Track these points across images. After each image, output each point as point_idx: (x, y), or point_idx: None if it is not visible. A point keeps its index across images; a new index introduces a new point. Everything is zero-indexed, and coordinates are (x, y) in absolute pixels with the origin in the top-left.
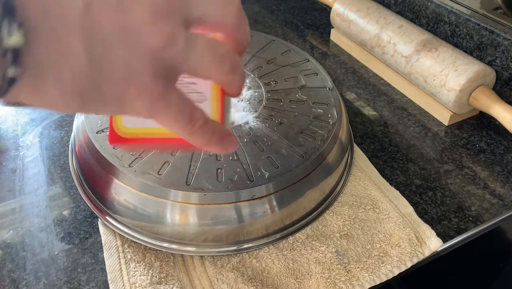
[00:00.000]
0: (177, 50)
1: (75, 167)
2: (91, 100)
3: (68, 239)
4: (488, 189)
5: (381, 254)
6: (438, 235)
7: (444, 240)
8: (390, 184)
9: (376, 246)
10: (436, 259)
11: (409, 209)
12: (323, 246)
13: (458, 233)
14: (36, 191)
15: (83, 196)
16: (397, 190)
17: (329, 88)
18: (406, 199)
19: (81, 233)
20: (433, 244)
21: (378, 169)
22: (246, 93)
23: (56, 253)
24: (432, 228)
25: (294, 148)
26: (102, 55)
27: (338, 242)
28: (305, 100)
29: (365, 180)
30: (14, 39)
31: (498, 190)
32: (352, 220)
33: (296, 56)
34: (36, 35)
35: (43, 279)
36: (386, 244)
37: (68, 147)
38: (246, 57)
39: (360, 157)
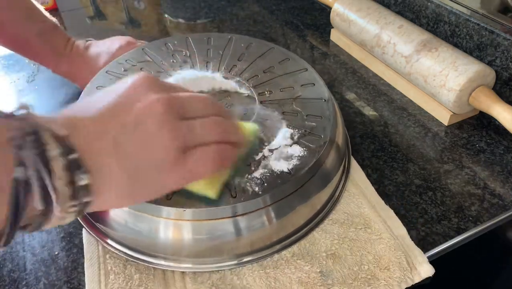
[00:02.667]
0: (182, 135)
1: None
2: (139, 196)
3: (68, 239)
4: (488, 189)
5: (369, 277)
6: (438, 234)
7: (444, 240)
8: (390, 184)
9: (364, 267)
10: (436, 259)
11: (402, 230)
12: (307, 266)
13: (458, 233)
14: None
15: None
16: (397, 190)
17: (325, 100)
18: (406, 199)
19: (81, 233)
20: (424, 270)
21: (378, 171)
22: (238, 104)
23: (56, 253)
24: (432, 228)
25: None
26: (134, 169)
27: (324, 262)
28: (299, 112)
29: (360, 197)
30: (84, 180)
31: (498, 190)
32: (341, 239)
33: (294, 65)
34: (95, 174)
35: (43, 279)
36: (374, 266)
37: None
38: (243, 65)
39: (357, 171)
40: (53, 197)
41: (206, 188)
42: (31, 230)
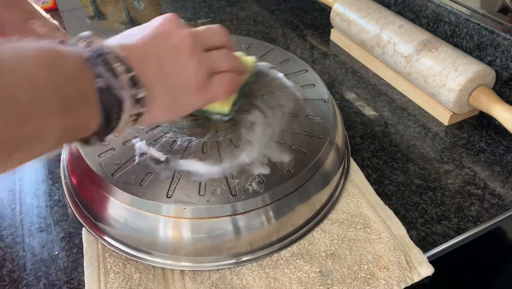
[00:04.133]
0: (207, 63)
1: (65, 171)
2: (176, 111)
3: (68, 239)
4: (488, 189)
5: (368, 276)
6: (438, 234)
7: (444, 240)
8: (390, 184)
9: (363, 267)
10: (436, 260)
11: (401, 230)
12: (307, 265)
13: (458, 233)
14: (36, 191)
15: (70, 202)
16: (397, 190)
17: (325, 101)
18: (406, 199)
19: (81, 233)
20: (424, 270)
21: (378, 171)
22: (238, 105)
23: (56, 253)
24: (432, 228)
25: (283, 162)
26: (173, 87)
27: (323, 262)
28: (299, 113)
29: (359, 197)
30: (142, 93)
31: (498, 190)
32: (340, 239)
33: (295, 66)
34: (148, 89)
35: (43, 279)
36: (374, 266)
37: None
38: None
39: (356, 172)
40: (123, 104)
41: (221, 106)
42: (106, 134)
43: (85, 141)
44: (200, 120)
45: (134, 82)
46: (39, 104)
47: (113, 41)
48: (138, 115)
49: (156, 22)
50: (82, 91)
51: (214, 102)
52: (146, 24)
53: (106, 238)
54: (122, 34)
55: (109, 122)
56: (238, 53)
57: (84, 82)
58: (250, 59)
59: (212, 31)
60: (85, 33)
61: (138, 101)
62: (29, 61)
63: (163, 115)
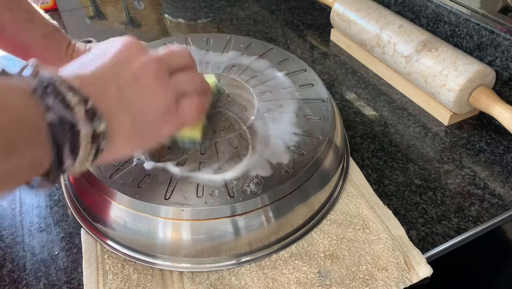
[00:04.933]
0: (172, 87)
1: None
2: (142, 142)
3: (68, 239)
4: (488, 189)
5: (366, 277)
6: (438, 234)
7: (444, 240)
8: (390, 184)
9: (362, 268)
10: (436, 259)
11: (401, 231)
12: (305, 266)
13: (458, 233)
14: (36, 191)
15: (69, 203)
16: (397, 190)
17: (324, 101)
18: (406, 199)
19: (81, 233)
20: (422, 270)
21: (378, 171)
22: (237, 104)
23: (56, 253)
24: (432, 228)
25: (281, 163)
26: (138, 116)
27: (322, 262)
28: (298, 113)
29: (358, 197)
30: (102, 127)
31: (498, 190)
32: (339, 240)
33: (294, 65)
34: (107, 121)
35: (43, 279)
36: (372, 267)
37: None
38: (243, 66)
39: (355, 172)
40: (79, 139)
41: (192, 132)
42: (63, 173)
43: (30, 185)
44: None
45: (92, 114)
46: None
47: (66, 71)
48: (98, 150)
49: (114, 48)
50: (30, 129)
51: (184, 127)
52: (103, 49)
53: (104, 239)
54: (77, 62)
55: (61, 161)
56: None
57: (31, 118)
58: (210, 79)
59: (175, 53)
60: (31, 61)
61: (97, 135)
62: None
63: (129, 147)
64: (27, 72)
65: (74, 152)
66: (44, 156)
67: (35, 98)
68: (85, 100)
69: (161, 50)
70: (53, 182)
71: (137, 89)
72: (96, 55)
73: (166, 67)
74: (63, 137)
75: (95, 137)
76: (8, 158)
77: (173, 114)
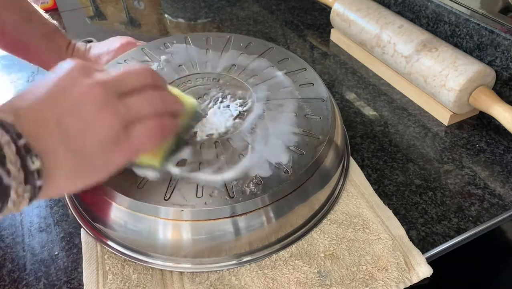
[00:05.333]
0: (121, 112)
1: None
2: (87, 177)
3: (68, 239)
4: (488, 189)
5: (366, 277)
6: (438, 234)
7: (444, 240)
8: (390, 184)
9: (362, 268)
10: (436, 259)
11: (401, 231)
12: (305, 266)
13: (458, 233)
14: None
15: (69, 203)
16: (397, 190)
17: (323, 100)
18: (406, 199)
19: (81, 233)
20: (422, 271)
21: (378, 171)
22: (237, 102)
23: (56, 253)
24: (432, 228)
25: (281, 163)
26: (80, 149)
27: (322, 262)
28: (298, 113)
29: (358, 197)
30: (36, 164)
31: (498, 190)
32: (339, 240)
33: (294, 64)
34: (44, 158)
35: (43, 279)
36: (372, 267)
37: None
38: (242, 65)
39: (355, 172)
40: (9, 182)
41: (150, 158)
42: None
43: None
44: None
45: (25, 151)
46: None
47: (4, 103)
48: (34, 189)
49: (59, 73)
50: None
51: (140, 155)
52: (52, 73)
53: (104, 239)
54: (24, 90)
55: None
56: (176, 92)
57: None
58: (189, 100)
59: (131, 72)
60: None
61: (31, 172)
62: None
63: (71, 183)
64: None
65: (4, 196)
66: None
67: None
68: (17, 137)
69: (115, 71)
70: None
71: (77, 119)
72: (38, 84)
73: (113, 91)
74: None
75: (29, 176)
76: None
77: (123, 142)
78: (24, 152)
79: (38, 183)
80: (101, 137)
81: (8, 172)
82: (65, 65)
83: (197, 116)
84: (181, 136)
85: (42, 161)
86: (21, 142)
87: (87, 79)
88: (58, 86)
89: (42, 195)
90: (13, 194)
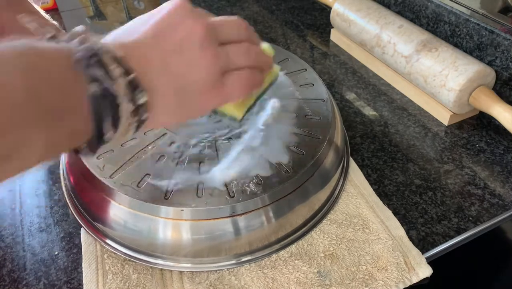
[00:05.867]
0: (221, 59)
1: (64, 172)
2: (183, 114)
3: (68, 239)
4: (488, 189)
5: (366, 277)
6: (438, 234)
7: (444, 240)
8: (390, 184)
9: (361, 268)
10: (436, 259)
11: (400, 231)
12: (305, 266)
13: (458, 233)
14: (36, 191)
15: (69, 203)
16: (397, 190)
17: (324, 100)
18: (406, 199)
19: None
20: (422, 271)
21: (378, 171)
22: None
23: (56, 253)
24: (432, 228)
25: (281, 163)
26: (181, 88)
27: (322, 262)
28: (298, 113)
29: (358, 198)
30: (143, 99)
31: (498, 190)
32: (339, 240)
33: (294, 65)
34: (150, 93)
35: (43, 279)
36: (372, 267)
37: None
38: None
39: (355, 172)
40: (120, 111)
41: (234, 109)
42: (104, 143)
43: (76, 151)
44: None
45: (134, 86)
46: (17, 118)
47: (111, 38)
48: (140, 121)
49: (163, 11)
50: (71, 99)
51: (229, 103)
52: (153, 12)
53: (104, 239)
54: (124, 27)
55: (101, 133)
56: (265, 46)
57: (74, 88)
58: (275, 68)
59: (231, 23)
60: (79, 28)
61: (139, 107)
62: (5, 66)
63: (169, 119)
64: (75, 40)
65: (115, 125)
66: (85, 127)
67: (78, 69)
68: (127, 72)
69: (216, 19)
70: (94, 152)
71: (181, 59)
72: (143, 21)
73: (215, 35)
74: (104, 110)
75: (137, 110)
76: (48, 129)
77: (218, 86)
78: (133, 86)
79: (144, 116)
80: (200, 78)
81: (119, 105)
82: (172, 3)
83: (275, 80)
84: (260, 95)
85: (149, 96)
86: (131, 77)
87: (192, 19)
88: (164, 23)
89: (143, 128)
90: (122, 125)
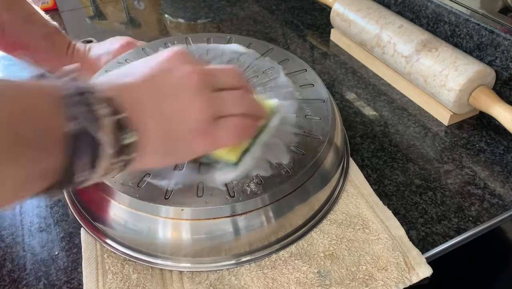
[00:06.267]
0: (214, 105)
1: None
2: (171, 158)
3: (68, 239)
4: (488, 189)
5: (366, 277)
6: (438, 234)
7: (444, 240)
8: (390, 184)
9: (361, 268)
10: (436, 259)
11: (400, 231)
12: (305, 266)
13: (458, 233)
14: None
15: (69, 203)
16: (397, 190)
17: (324, 101)
18: (406, 199)
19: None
20: (422, 271)
21: (378, 171)
22: None
23: (56, 253)
24: (432, 228)
25: (281, 163)
26: (171, 132)
27: (322, 262)
28: (298, 113)
29: (358, 198)
30: (131, 139)
31: (498, 190)
32: (339, 240)
33: (294, 65)
34: (141, 135)
35: (43, 279)
36: (372, 267)
37: None
38: (243, 65)
39: (355, 172)
40: (100, 151)
41: (228, 153)
42: (77, 184)
43: (43, 195)
44: None
45: (122, 126)
46: None
47: (105, 79)
48: (127, 161)
49: (161, 57)
50: (49, 136)
51: (220, 148)
52: (151, 57)
53: (104, 238)
54: (121, 69)
55: (71, 173)
56: (258, 97)
57: (52, 125)
58: (270, 103)
59: (226, 71)
60: (72, 67)
61: (124, 147)
62: None
63: (158, 161)
64: (65, 78)
65: (93, 164)
66: (59, 165)
67: (61, 106)
68: (115, 112)
69: (212, 66)
70: (61, 191)
71: (174, 103)
72: (140, 64)
73: (210, 82)
74: (80, 149)
75: (122, 150)
76: (23, 165)
77: (210, 132)
78: (120, 126)
79: (131, 156)
80: (192, 123)
81: (101, 143)
82: (170, 49)
83: (272, 118)
84: (256, 138)
85: (137, 137)
86: (119, 116)
87: (186, 65)
88: (161, 68)
89: (130, 168)
90: (104, 162)
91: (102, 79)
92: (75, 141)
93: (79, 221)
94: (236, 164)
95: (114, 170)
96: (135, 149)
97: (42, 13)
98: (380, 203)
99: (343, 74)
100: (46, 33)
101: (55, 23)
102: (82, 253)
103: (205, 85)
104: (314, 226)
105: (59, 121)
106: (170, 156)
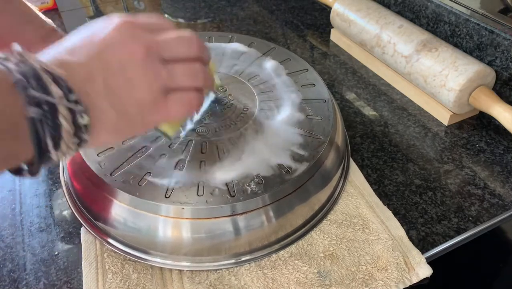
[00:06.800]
0: (163, 78)
1: (64, 170)
2: (125, 133)
3: (68, 239)
4: (488, 189)
5: (366, 277)
6: (438, 234)
7: (444, 240)
8: (390, 184)
9: (361, 268)
10: (436, 260)
11: (400, 231)
12: (305, 266)
13: (458, 233)
14: (36, 191)
15: (69, 202)
16: (397, 190)
17: (325, 101)
18: (406, 199)
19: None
20: (422, 271)
21: (378, 171)
22: (238, 103)
23: (56, 253)
24: (432, 228)
25: (282, 163)
26: (122, 107)
27: (322, 262)
28: (299, 112)
29: (358, 198)
30: (85, 120)
31: (498, 190)
32: (339, 240)
33: (295, 65)
34: (91, 113)
35: (43, 279)
36: (372, 267)
37: None
38: (244, 64)
39: (355, 172)
40: (61, 132)
41: (168, 127)
42: (39, 166)
43: (15, 172)
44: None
45: (75, 107)
46: None
47: (52, 55)
48: (81, 140)
49: (104, 32)
50: (9, 121)
51: (170, 120)
52: (94, 30)
53: (104, 237)
54: (65, 43)
55: (42, 154)
56: (211, 65)
57: (11, 109)
58: (216, 78)
59: (180, 40)
60: (16, 47)
61: (79, 127)
62: None
63: (111, 138)
64: (12, 61)
65: (56, 146)
66: (24, 148)
67: (17, 91)
68: (68, 92)
69: (166, 34)
70: (35, 173)
71: (122, 79)
72: (84, 38)
73: (158, 54)
74: (44, 131)
75: (78, 130)
76: None
77: (160, 106)
78: (74, 107)
79: (85, 136)
80: (141, 97)
81: (60, 126)
82: (114, 21)
83: (213, 100)
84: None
85: (90, 116)
86: (72, 98)
87: (134, 39)
88: (106, 43)
89: (84, 146)
90: (63, 145)
91: (49, 56)
92: (39, 125)
93: (80, 220)
94: (172, 137)
95: (70, 149)
96: (88, 129)
97: (40, 14)
98: (380, 203)
99: (343, 74)
100: (43, 34)
101: (53, 24)
102: (82, 253)
103: (152, 58)
104: (314, 226)
105: (19, 107)
106: (123, 131)
